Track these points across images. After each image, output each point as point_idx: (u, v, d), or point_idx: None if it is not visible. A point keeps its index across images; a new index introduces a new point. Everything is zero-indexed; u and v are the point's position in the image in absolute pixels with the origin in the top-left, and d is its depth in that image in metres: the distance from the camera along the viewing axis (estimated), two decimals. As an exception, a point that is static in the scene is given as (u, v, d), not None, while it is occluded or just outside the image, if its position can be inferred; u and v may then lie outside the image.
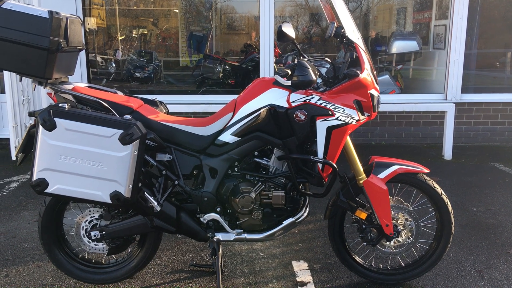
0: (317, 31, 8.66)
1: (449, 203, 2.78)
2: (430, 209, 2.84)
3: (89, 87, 2.82)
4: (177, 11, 8.85)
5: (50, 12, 2.45)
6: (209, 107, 6.43)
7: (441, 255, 2.86)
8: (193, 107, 6.48)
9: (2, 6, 2.43)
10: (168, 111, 3.00)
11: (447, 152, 5.93)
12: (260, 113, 2.56)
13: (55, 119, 2.31)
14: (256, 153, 2.68)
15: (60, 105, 2.38)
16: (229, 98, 6.84)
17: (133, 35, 8.49)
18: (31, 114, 2.67)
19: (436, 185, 2.77)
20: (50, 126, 2.30)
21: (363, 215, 2.76)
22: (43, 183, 2.34)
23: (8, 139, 6.20)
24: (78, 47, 2.73)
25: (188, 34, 8.62)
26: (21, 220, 3.88)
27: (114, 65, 7.57)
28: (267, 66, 6.79)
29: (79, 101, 2.62)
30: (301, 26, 8.79)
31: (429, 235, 2.96)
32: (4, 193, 4.51)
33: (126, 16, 8.41)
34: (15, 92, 5.62)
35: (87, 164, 2.34)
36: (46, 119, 2.30)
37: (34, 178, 2.34)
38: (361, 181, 2.70)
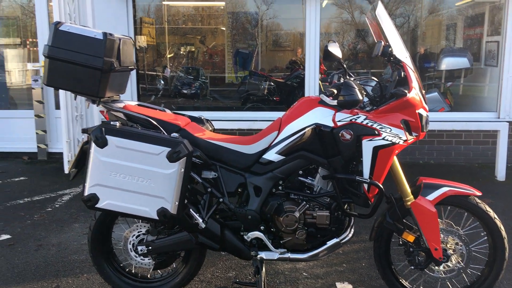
0: (363, 47, 8.58)
1: (502, 227, 2.65)
2: (482, 233, 2.72)
3: (139, 105, 2.92)
4: (224, 28, 9.02)
5: (105, 34, 2.56)
6: (254, 124, 6.47)
7: (494, 282, 2.73)
8: (238, 123, 6.54)
9: (60, 28, 2.57)
10: (214, 128, 3.05)
11: (500, 172, 5.67)
12: (305, 132, 2.55)
13: (106, 136, 2.39)
14: (300, 172, 2.67)
15: (112, 123, 2.47)
16: (274, 115, 6.89)
17: (181, 52, 8.72)
18: (84, 131, 2.78)
19: (488, 208, 2.65)
20: (102, 143, 2.39)
21: (410, 238, 2.68)
22: (94, 198, 2.42)
23: (61, 153, 6.48)
24: (129, 67, 2.83)
25: (234, 51, 8.76)
26: (72, 232, 4.03)
27: (162, 82, 7.79)
28: (312, 83, 6.78)
29: (130, 119, 2.71)
30: (346, 42, 8.74)
31: (481, 260, 2.82)
32: (56, 206, 4.70)
33: (175, 33, 8.66)
34: (69, 109, 5.88)
35: (135, 181, 2.40)
36: (98, 136, 2.39)
37: (86, 193, 2.43)
38: (409, 203, 2.63)
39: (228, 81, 9.15)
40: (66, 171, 5.83)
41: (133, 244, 2.78)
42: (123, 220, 2.97)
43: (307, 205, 2.64)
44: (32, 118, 6.68)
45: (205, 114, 5.86)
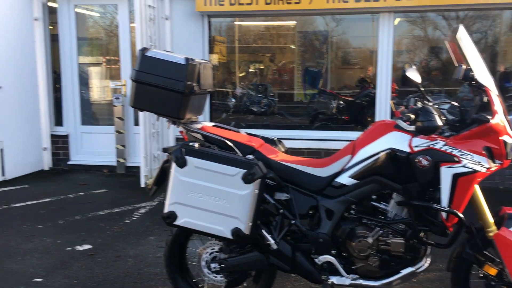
0: (436, 65, 8.30)
1: None
2: None
3: (215, 126, 3.03)
4: (293, 47, 9.10)
5: (187, 59, 2.70)
6: (323, 143, 6.46)
7: None
8: (307, 142, 6.56)
9: (146, 54, 2.75)
10: (286, 149, 3.09)
11: None
12: (380, 156, 2.52)
13: (186, 157, 2.51)
14: (374, 196, 2.63)
15: (191, 143, 2.59)
16: (343, 134, 6.84)
17: (250, 70, 8.90)
18: (165, 150, 2.92)
19: None
20: (182, 163, 2.51)
21: (492, 271, 2.54)
22: (173, 215, 2.54)
23: (139, 167, 6.82)
24: (208, 90, 2.96)
25: (303, 69, 8.80)
26: (147, 245, 4.22)
27: (233, 100, 8.00)
28: (383, 102, 6.66)
29: (207, 139, 2.82)
30: (419, 60, 8.50)
31: None
32: (133, 218, 4.95)
33: (245, 52, 8.86)
34: (147, 126, 6.20)
35: (212, 200, 2.49)
36: (179, 156, 2.51)
37: (166, 210, 2.56)
38: (491, 234, 2.50)
39: (297, 99, 9.19)
40: (143, 185, 6.12)
41: (207, 261, 2.87)
42: (197, 236, 3.08)
43: (381, 231, 2.59)
44: (112, 133, 7.11)
45: (274, 132, 5.94)
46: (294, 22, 8.66)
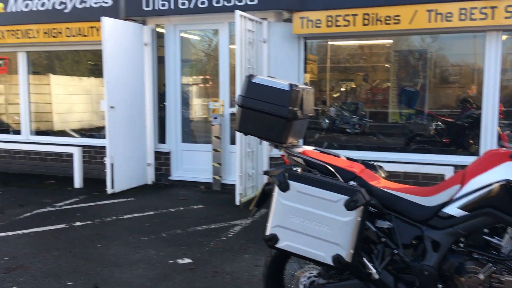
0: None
1: None
2: None
3: (315, 150, 3.06)
4: (388, 65, 8.89)
5: (291, 85, 2.77)
6: (422, 167, 6.20)
7: None
8: (404, 166, 6.33)
9: (252, 81, 2.86)
10: (387, 175, 3.03)
11: None
12: (494, 188, 2.38)
13: (289, 181, 2.56)
14: (486, 230, 2.48)
15: (293, 168, 2.64)
16: (443, 158, 6.52)
17: (342, 89, 8.81)
18: (266, 173, 3.00)
19: None
20: (285, 187, 2.56)
21: None
22: (274, 238, 2.59)
23: (233, 185, 7.04)
24: (309, 114, 3.00)
25: (399, 89, 8.54)
26: (243, 262, 4.32)
27: (327, 120, 7.98)
28: (489, 125, 6.27)
29: (308, 164, 2.85)
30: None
31: None
32: (229, 235, 5.11)
33: (337, 70, 8.81)
34: (243, 145, 6.40)
35: (313, 225, 2.51)
36: (282, 181, 2.57)
37: (268, 232, 2.62)
38: None
39: (392, 120, 8.93)
40: (237, 202, 6.30)
41: (304, 285, 2.87)
42: (295, 259, 3.10)
43: (494, 268, 2.43)
44: (210, 151, 7.43)
45: (367, 154, 5.80)
46: (390, 41, 8.48)
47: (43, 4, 7.90)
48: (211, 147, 7.40)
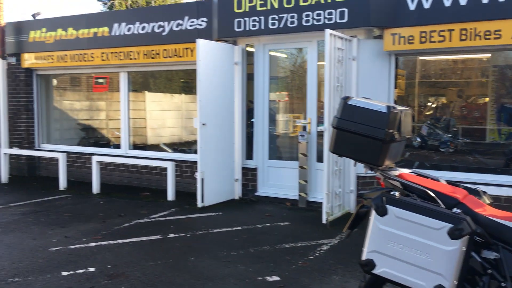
0: None
1: None
2: None
3: (413, 172, 2.96)
4: (485, 81, 8.38)
5: (388, 107, 2.72)
6: (527, 192, 5.74)
7: None
8: (506, 190, 5.91)
9: (348, 103, 2.85)
10: (491, 202, 2.85)
11: None
12: None
13: (387, 206, 2.50)
14: None
15: (392, 192, 2.58)
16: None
17: (433, 105, 8.43)
18: (360, 195, 2.97)
19: None
20: (382, 212, 2.51)
21: None
22: (370, 264, 2.54)
23: (319, 203, 7.00)
24: (407, 136, 2.92)
25: (498, 106, 8.01)
26: (332, 284, 4.26)
27: (419, 139, 7.68)
28: None
29: (406, 188, 2.77)
30: None
31: None
32: (317, 254, 5.07)
33: (426, 85, 8.45)
34: (330, 163, 6.35)
35: (413, 253, 2.42)
36: (379, 205, 2.52)
37: (364, 257, 2.57)
38: None
39: (490, 139, 8.37)
40: (324, 221, 6.24)
41: (401, 312, 2.77)
42: (390, 285, 3.01)
43: None
44: (296, 168, 7.46)
45: (464, 176, 5.50)
46: (487, 55, 8.01)
47: (143, 28, 8.50)
48: (297, 164, 7.43)
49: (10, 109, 10.22)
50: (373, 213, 2.55)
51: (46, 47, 9.66)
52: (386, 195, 2.56)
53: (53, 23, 9.59)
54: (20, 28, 10.01)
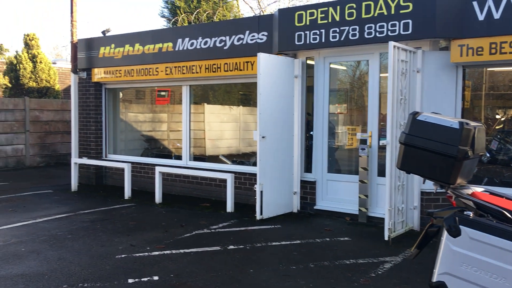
0: None
1: None
2: None
3: (485, 191, 2.83)
4: None
5: (461, 123, 2.63)
6: None
7: None
8: None
9: (417, 118, 2.78)
10: None
11: None
12: None
13: (460, 226, 2.40)
14: None
15: (465, 212, 2.48)
16: None
17: (502, 118, 7.98)
18: (430, 214, 2.87)
19: None
20: (455, 233, 2.41)
21: None
22: (442, 286, 2.44)
23: (380, 218, 6.82)
24: (480, 154, 2.80)
25: None
26: (396, 304, 4.13)
27: (488, 154, 7.30)
28: None
29: (479, 207, 2.65)
30: None
31: None
32: (379, 272, 4.93)
33: (494, 97, 8.03)
34: (393, 178, 6.18)
35: (489, 277, 2.31)
36: (452, 225, 2.42)
37: (434, 279, 2.48)
38: None
39: None
40: (386, 237, 6.07)
41: None
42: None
43: None
44: (356, 182, 7.33)
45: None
46: None
47: (206, 43, 8.73)
48: (357, 178, 7.29)
49: (80, 121, 10.81)
50: (445, 233, 2.46)
51: (114, 62, 10.16)
52: (459, 215, 2.46)
53: (121, 40, 10.08)
54: (91, 44, 10.61)
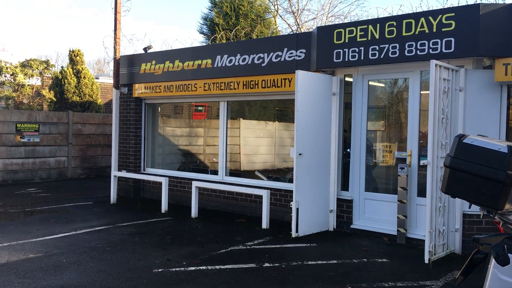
0: None
1: None
2: None
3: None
4: None
5: (510, 147, 2.54)
6: None
7: None
8: None
9: (463, 141, 2.72)
10: None
11: None
12: None
13: (509, 255, 2.31)
14: None
15: (515, 240, 2.38)
16: None
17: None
18: (476, 240, 2.77)
19: None
20: (504, 261, 2.32)
21: None
22: (490, 317, 2.34)
23: (419, 240, 6.64)
24: (530, 179, 2.69)
25: None
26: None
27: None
28: None
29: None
30: None
31: None
32: (419, 297, 4.79)
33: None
34: (434, 199, 6.02)
35: (541, 310, 2.20)
36: (500, 253, 2.33)
37: (481, 309, 2.38)
38: None
39: None
40: (426, 260, 5.90)
41: None
42: None
43: None
44: (395, 202, 7.17)
45: None
46: None
47: (244, 59, 8.84)
48: (396, 198, 7.14)
49: (121, 135, 11.10)
50: (493, 261, 2.38)
51: (155, 78, 10.42)
52: (508, 242, 2.37)
53: (161, 56, 10.34)
54: (132, 60, 10.93)
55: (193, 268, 5.57)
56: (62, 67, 17.07)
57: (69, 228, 7.64)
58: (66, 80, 16.22)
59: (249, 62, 8.77)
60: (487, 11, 6.22)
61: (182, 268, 5.56)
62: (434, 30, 6.53)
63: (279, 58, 8.38)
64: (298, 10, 20.42)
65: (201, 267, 5.61)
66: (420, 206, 6.97)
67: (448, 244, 6.45)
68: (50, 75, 17.68)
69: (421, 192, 6.91)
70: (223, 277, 5.26)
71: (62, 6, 61.46)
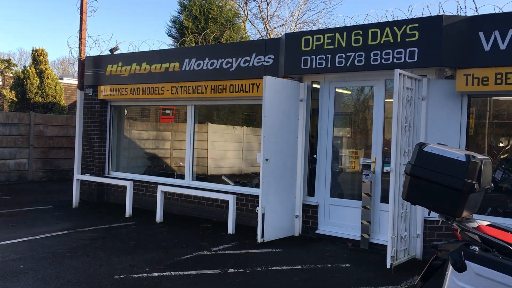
0: None
1: None
2: None
3: (491, 225, 2.80)
4: None
5: (467, 156, 2.62)
6: None
7: None
8: None
9: (423, 149, 2.78)
10: None
11: None
12: None
13: (466, 261, 2.37)
14: None
15: (471, 247, 2.45)
16: None
17: (506, 147, 7.95)
18: (434, 246, 2.84)
19: None
20: (461, 268, 2.38)
21: None
22: (447, 322, 2.40)
23: (382, 245, 6.75)
24: (486, 187, 2.78)
25: None
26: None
27: (492, 184, 7.25)
28: None
29: (485, 242, 2.62)
30: None
31: None
32: (381, 301, 4.86)
33: (498, 125, 8.00)
34: (396, 205, 6.14)
35: (495, 315, 2.26)
36: (457, 260, 2.40)
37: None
38: None
39: None
40: (388, 266, 6.00)
41: None
42: None
43: None
44: (359, 208, 7.27)
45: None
46: None
47: (212, 64, 8.80)
48: (360, 204, 7.24)
49: (84, 137, 10.84)
50: (450, 268, 2.43)
51: (121, 80, 10.24)
52: (465, 249, 2.43)
53: (128, 58, 10.18)
54: (98, 61, 10.71)
55: (156, 274, 5.47)
56: (24, 66, 16.56)
57: (28, 232, 7.38)
58: (28, 80, 15.75)
59: (217, 67, 8.74)
60: (449, 23, 6.42)
61: (145, 274, 5.46)
62: (399, 40, 6.69)
63: (247, 63, 8.39)
64: (267, 16, 20.56)
65: (164, 273, 5.52)
66: (383, 212, 7.10)
67: (410, 249, 6.59)
68: (11, 75, 17.12)
69: (385, 198, 7.04)
70: (187, 283, 5.20)
71: (28, 3, 59.80)
